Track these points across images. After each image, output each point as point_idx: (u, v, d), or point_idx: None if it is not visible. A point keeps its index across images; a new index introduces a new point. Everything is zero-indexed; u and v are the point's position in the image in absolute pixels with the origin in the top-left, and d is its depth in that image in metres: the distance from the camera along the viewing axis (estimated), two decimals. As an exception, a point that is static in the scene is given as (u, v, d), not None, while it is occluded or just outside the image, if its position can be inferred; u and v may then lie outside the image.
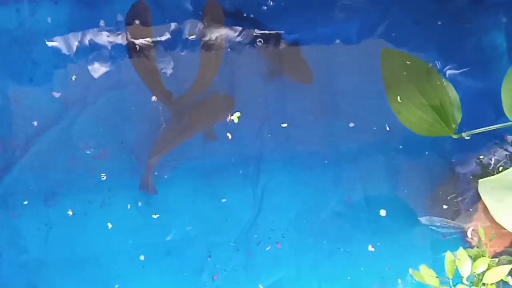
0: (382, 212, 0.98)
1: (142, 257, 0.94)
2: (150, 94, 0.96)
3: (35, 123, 0.94)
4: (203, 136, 0.97)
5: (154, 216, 0.95)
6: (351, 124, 0.99)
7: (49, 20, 0.95)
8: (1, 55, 0.94)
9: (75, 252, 0.93)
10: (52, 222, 0.93)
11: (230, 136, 0.97)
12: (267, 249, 0.96)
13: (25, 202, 0.93)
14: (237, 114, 0.97)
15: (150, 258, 0.94)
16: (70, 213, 0.93)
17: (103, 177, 0.94)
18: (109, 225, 0.94)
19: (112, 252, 0.94)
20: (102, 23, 0.96)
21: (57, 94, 0.94)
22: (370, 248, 0.97)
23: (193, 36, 0.98)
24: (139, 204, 0.95)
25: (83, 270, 0.93)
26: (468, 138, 0.88)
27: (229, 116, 0.96)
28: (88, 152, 0.94)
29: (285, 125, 0.97)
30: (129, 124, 0.96)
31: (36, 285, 0.92)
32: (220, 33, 0.98)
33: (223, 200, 0.96)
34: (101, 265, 0.93)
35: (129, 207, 0.95)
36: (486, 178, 0.75)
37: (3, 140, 0.93)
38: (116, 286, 0.93)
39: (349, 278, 0.96)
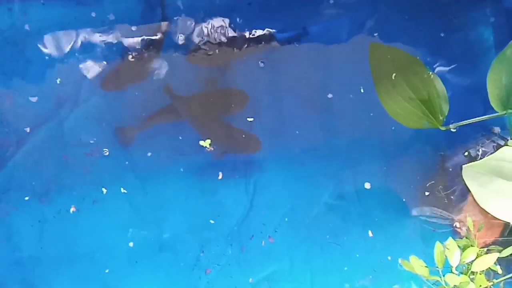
0: (367, 185, 0.99)
1: (131, 244, 0.95)
2: (142, 90, 0.97)
3: (27, 122, 0.95)
4: (196, 132, 0.98)
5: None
6: (343, 120, 1.00)
7: (41, 19, 0.96)
8: (-6, 54, 0.95)
9: (69, 249, 0.94)
10: (45, 219, 0.94)
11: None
12: (263, 244, 0.97)
13: (26, 198, 0.93)
14: (208, 141, 0.98)
15: (143, 254, 0.95)
16: (73, 209, 0.94)
17: (95, 174, 0.95)
18: (103, 222, 0.95)
19: (106, 248, 0.94)
20: (93, 14, 0.96)
21: (34, 99, 0.95)
22: (370, 234, 0.98)
23: (185, 35, 0.99)
24: (132, 200, 0.96)
25: (77, 266, 0.94)
26: (454, 130, 0.89)
27: (207, 146, 0.97)
28: (80, 149, 0.95)
29: (251, 119, 0.98)
30: (121, 121, 0.97)
31: (31, 282, 0.93)
32: (212, 30, 0.99)
33: (211, 222, 0.97)
34: (95, 261, 0.94)
35: (122, 203, 0.95)
36: (470, 164, 0.76)
37: (-6, 138, 0.94)
38: (107, 271, 0.94)
39: (345, 269, 0.97)
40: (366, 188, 0.99)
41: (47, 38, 0.96)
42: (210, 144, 0.97)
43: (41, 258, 0.93)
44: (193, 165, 0.97)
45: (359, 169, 1.00)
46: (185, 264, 0.96)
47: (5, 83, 0.95)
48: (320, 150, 1.00)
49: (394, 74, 0.89)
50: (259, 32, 1.00)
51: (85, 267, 0.94)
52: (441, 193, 0.99)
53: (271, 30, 1.00)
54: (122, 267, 0.94)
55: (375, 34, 1.02)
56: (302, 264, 0.97)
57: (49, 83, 0.96)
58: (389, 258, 0.97)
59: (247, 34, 1.00)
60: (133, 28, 0.98)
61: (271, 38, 1.01)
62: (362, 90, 1.00)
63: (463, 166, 0.78)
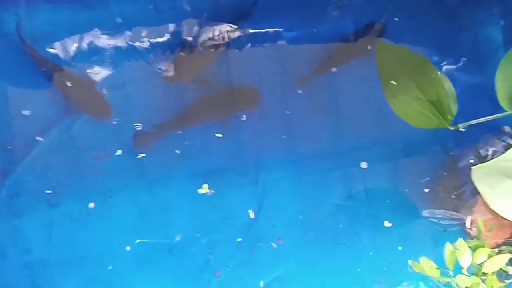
0: (363, 164, 0.98)
1: (139, 247, 0.95)
2: (151, 94, 0.97)
3: (35, 126, 0.95)
4: (202, 134, 0.98)
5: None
6: (350, 120, 1.00)
7: (47, 23, 0.96)
8: (1, 58, 0.95)
9: (77, 252, 0.94)
10: (54, 222, 0.94)
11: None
12: (273, 246, 0.96)
13: (49, 191, 0.94)
14: (206, 186, 0.97)
15: (152, 257, 0.95)
16: (92, 205, 0.94)
17: (103, 177, 0.95)
18: (111, 225, 0.95)
19: (114, 251, 0.94)
20: (100, 17, 0.97)
21: (26, 112, 0.95)
22: (387, 224, 0.97)
23: (191, 36, 0.99)
24: (140, 203, 0.96)
25: (86, 269, 0.94)
26: (463, 130, 0.89)
27: (206, 192, 0.97)
28: (88, 152, 0.95)
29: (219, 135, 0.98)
30: (129, 124, 0.97)
31: (40, 285, 0.93)
32: (217, 31, 0.99)
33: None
34: (102, 264, 0.94)
35: (130, 206, 0.95)
36: (479, 165, 0.75)
37: (4, 143, 0.94)
38: (110, 267, 0.94)
39: (358, 270, 0.97)
40: (374, 188, 0.99)
41: (55, 43, 0.96)
42: (208, 188, 0.97)
43: (50, 261, 0.93)
44: (200, 168, 0.97)
45: (367, 169, 0.99)
46: (194, 267, 0.96)
47: (12, 87, 0.95)
48: (327, 151, 1.00)
49: (393, 81, 0.88)
50: (265, 31, 1.00)
51: (93, 270, 0.94)
52: (451, 193, 0.98)
53: (278, 29, 1.00)
54: (130, 270, 0.94)
55: (383, 34, 1.01)
56: (310, 266, 0.97)
57: (56, 87, 0.96)
58: (398, 256, 0.97)
59: (253, 34, 1.00)
60: (140, 30, 0.98)
61: (278, 37, 1.00)
62: (370, 92, 1.00)
63: (472, 167, 0.77)
